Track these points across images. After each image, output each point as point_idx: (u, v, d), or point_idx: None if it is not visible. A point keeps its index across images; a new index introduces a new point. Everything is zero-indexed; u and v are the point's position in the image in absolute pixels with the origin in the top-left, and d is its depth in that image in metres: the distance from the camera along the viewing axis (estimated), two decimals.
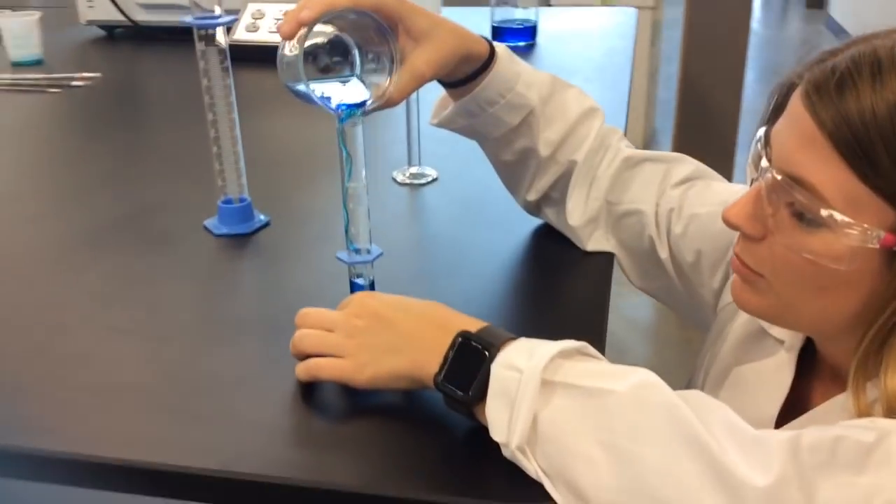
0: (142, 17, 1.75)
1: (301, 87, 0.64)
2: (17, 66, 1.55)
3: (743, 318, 0.77)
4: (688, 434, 0.50)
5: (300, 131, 1.22)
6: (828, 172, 0.56)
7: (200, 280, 0.81)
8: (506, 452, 0.54)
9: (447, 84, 0.77)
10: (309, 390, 0.63)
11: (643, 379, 0.53)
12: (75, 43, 1.76)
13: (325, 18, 0.63)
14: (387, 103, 0.67)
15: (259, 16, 1.59)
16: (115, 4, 1.73)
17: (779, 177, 0.59)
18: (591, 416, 0.52)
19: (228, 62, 0.82)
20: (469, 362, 0.56)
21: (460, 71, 0.74)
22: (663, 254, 0.82)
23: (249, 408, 0.62)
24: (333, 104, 0.65)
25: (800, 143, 0.58)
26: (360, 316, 0.62)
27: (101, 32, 1.81)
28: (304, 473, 0.56)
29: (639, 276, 0.86)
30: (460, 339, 0.58)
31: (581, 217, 0.82)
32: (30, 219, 0.95)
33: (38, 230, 0.92)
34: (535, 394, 0.53)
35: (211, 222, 0.89)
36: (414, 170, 1.03)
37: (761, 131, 0.63)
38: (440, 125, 0.81)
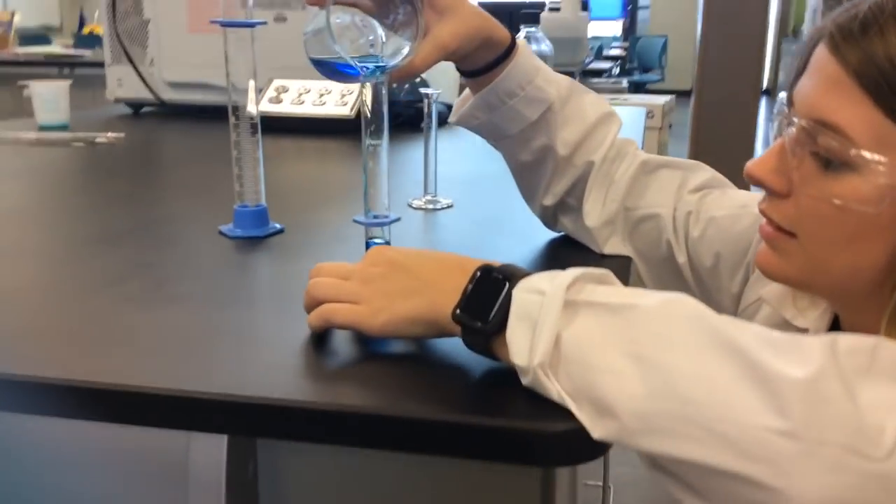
0: (168, 95, 1.81)
1: (325, 55, 0.66)
2: (44, 129, 1.60)
3: (763, 316, 0.75)
4: (718, 338, 0.47)
5: (317, 173, 1.24)
6: (854, 112, 0.56)
7: (212, 269, 0.80)
8: (525, 381, 0.52)
9: (467, 73, 0.78)
10: (321, 338, 0.61)
11: (670, 295, 0.51)
12: (101, 116, 1.82)
13: None
14: (410, 71, 0.68)
15: (283, 90, 1.65)
16: (144, 82, 1.80)
17: (804, 123, 0.59)
18: (616, 331, 0.50)
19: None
20: (489, 292, 0.55)
21: (481, 57, 0.75)
22: (681, 258, 0.81)
23: (263, 353, 0.60)
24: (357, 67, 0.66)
25: (825, 87, 0.58)
26: (377, 264, 0.61)
27: (128, 110, 1.87)
28: (321, 398, 0.53)
29: (656, 282, 0.84)
30: (479, 272, 0.56)
31: (598, 218, 0.82)
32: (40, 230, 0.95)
33: (47, 236, 0.92)
34: (558, 314, 0.51)
35: (226, 227, 0.89)
36: (430, 197, 1.03)
37: (783, 94, 0.64)
38: (460, 122, 0.82)
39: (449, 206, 1.02)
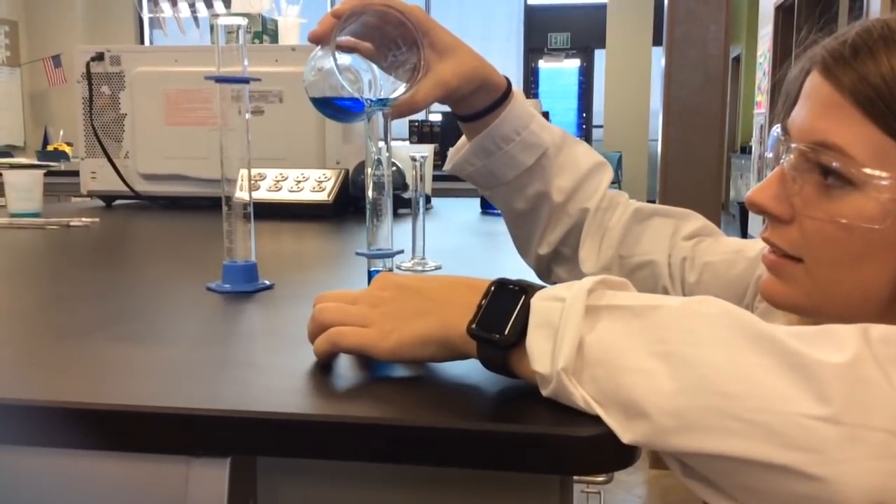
0: (142, 187, 1.81)
1: (327, 94, 0.66)
2: (16, 217, 1.57)
3: None
4: (749, 331, 0.46)
5: (301, 247, 1.23)
6: (853, 131, 0.58)
7: (203, 316, 0.78)
8: (546, 391, 0.50)
9: (464, 117, 0.79)
10: (326, 366, 0.59)
11: (693, 297, 0.50)
12: (73, 207, 1.80)
13: (355, 19, 0.67)
14: (412, 106, 0.69)
15: (260, 177, 1.65)
16: (119, 175, 1.79)
17: (803, 147, 0.60)
18: (641, 332, 0.49)
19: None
20: (505, 305, 0.53)
21: (479, 100, 0.77)
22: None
23: (265, 377, 0.58)
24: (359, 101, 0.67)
25: (821, 110, 0.60)
26: (385, 288, 0.60)
27: (100, 203, 1.86)
28: (332, 412, 0.51)
29: None
30: (494, 286, 0.55)
31: (595, 265, 0.82)
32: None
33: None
34: (581, 318, 0.50)
35: (214, 283, 0.87)
36: (418, 259, 1.03)
37: (777, 126, 0.66)
38: (454, 170, 0.83)
39: (437, 268, 1.01)
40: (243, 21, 0.83)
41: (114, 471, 0.53)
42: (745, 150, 8.21)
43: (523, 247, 0.88)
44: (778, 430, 0.43)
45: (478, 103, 0.77)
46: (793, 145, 0.62)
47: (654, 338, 0.48)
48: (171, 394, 0.54)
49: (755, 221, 5.71)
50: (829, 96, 0.59)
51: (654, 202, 0.88)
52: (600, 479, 1.28)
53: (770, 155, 0.66)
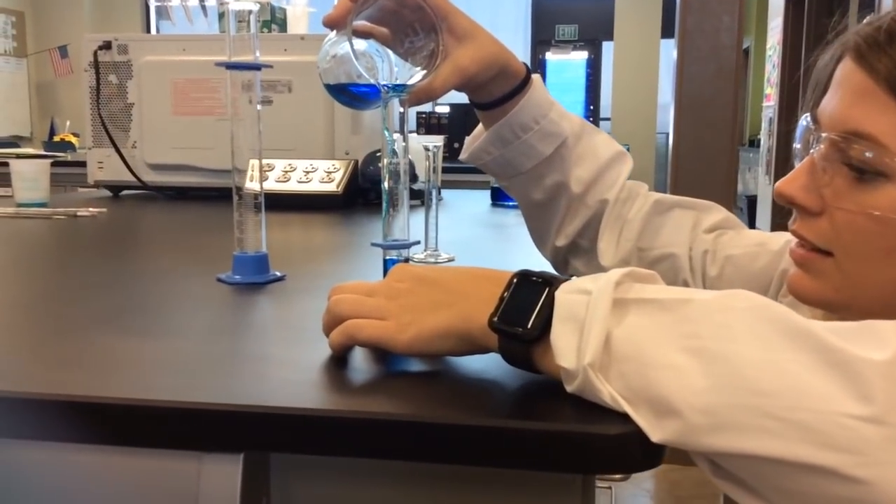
0: (150, 177, 1.79)
1: (342, 80, 0.64)
2: (23, 206, 1.56)
3: None
4: (784, 325, 0.44)
5: (312, 239, 1.21)
6: (887, 120, 0.56)
7: (213, 308, 0.76)
8: (571, 386, 0.48)
9: (481, 105, 0.77)
10: (341, 359, 0.57)
11: (724, 291, 0.49)
12: (80, 197, 1.79)
13: (371, 2, 0.65)
14: (429, 93, 0.67)
15: (268, 168, 1.64)
16: (126, 165, 1.78)
17: (834, 136, 0.58)
18: (671, 326, 0.47)
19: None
20: (528, 297, 0.51)
21: (497, 87, 0.75)
22: None
23: (280, 370, 0.56)
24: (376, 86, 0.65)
25: (854, 99, 0.58)
26: (402, 280, 0.58)
27: (107, 192, 1.84)
28: (348, 407, 0.49)
29: None
30: (517, 278, 0.53)
31: (613, 258, 0.80)
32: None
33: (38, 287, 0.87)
34: (608, 311, 0.48)
35: (224, 275, 0.86)
36: (431, 251, 1.01)
37: (806, 115, 0.64)
38: (471, 159, 0.81)
39: (450, 260, 1.00)
40: (255, 7, 0.81)
41: (125, 466, 0.51)
42: (754, 143, 8.15)
43: (540, 238, 0.86)
44: (817, 430, 0.41)
45: (496, 91, 0.75)
46: (823, 135, 0.60)
47: (686, 332, 0.46)
48: (182, 388, 0.52)
49: (763, 215, 5.67)
50: (863, 83, 0.57)
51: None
52: (617, 476, 1.27)
53: (798, 146, 0.64)
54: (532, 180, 0.81)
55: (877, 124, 0.56)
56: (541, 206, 0.82)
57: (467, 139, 0.82)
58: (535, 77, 0.78)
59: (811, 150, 0.61)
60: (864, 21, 0.61)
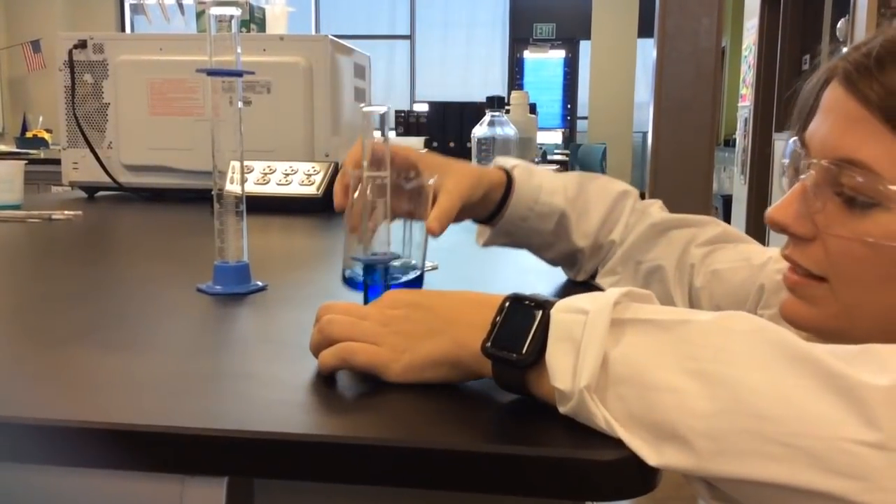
0: (125, 178, 1.76)
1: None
2: None
3: None
4: (786, 350, 0.44)
5: (292, 244, 1.20)
6: (879, 147, 0.55)
7: (194, 321, 0.75)
8: (564, 408, 0.47)
9: (485, 220, 0.82)
10: (329, 379, 0.56)
11: (723, 312, 0.48)
12: (55, 199, 1.76)
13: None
14: (441, 221, 0.71)
15: (248, 169, 1.61)
16: (102, 166, 1.75)
17: (826, 163, 0.58)
18: (670, 348, 0.46)
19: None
20: (521, 322, 0.50)
21: (490, 200, 0.79)
22: (681, 307, 0.79)
23: (264, 391, 0.54)
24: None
25: (845, 126, 0.57)
26: (396, 307, 0.56)
27: (82, 194, 1.81)
28: (336, 431, 0.48)
29: None
30: (509, 302, 0.52)
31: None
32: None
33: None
34: (605, 332, 0.47)
35: (205, 285, 0.84)
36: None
37: (793, 139, 0.63)
38: (486, 246, 0.85)
39: (434, 268, 0.98)
40: (237, 11, 0.79)
41: (106, 489, 0.50)
42: (729, 142, 8.20)
43: (565, 271, 0.91)
44: (821, 456, 0.41)
45: (490, 203, 0.80)
46: (814, 161, 0.59)
47: (685, 354, 0.45)
48: (165, 410, 0.51)
49: (738, 215, 5.72)
50: (854, 111, 0.57)
51: (643, 195, 0.88)
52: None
53: (786, 161, 0.64)
54: (544, 248, 0.86)
55: (870, 152, 0.56)
56: (558, 261, 0.89)
57: (478, 228, 0.86)
58: (518, 172, 0.81)
59: (801, 177, 0.61)
60: (852, 45, 0.61)
